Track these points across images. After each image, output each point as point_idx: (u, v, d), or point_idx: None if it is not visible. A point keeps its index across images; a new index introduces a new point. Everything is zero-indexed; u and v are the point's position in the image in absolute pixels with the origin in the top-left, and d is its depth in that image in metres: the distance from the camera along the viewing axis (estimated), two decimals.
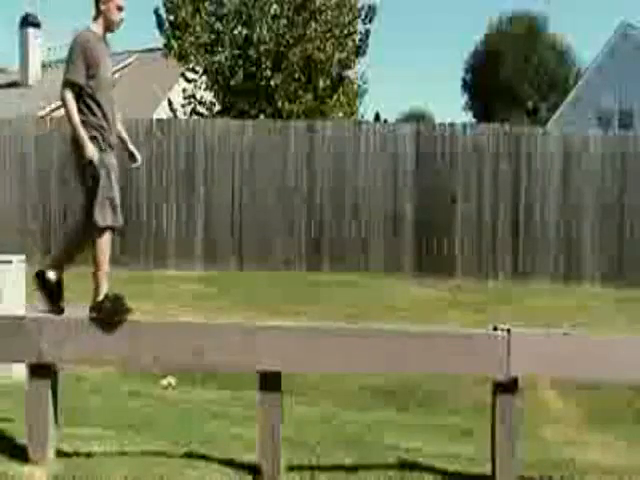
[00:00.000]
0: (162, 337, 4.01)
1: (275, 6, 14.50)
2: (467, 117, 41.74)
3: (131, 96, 21.53)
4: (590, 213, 11.67)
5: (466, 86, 41.98)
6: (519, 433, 3.94)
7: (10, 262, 6.13)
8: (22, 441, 4.06)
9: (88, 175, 3.96)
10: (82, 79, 3.91)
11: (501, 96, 37.17)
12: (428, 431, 5.14)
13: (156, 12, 15.17)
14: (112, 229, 4.04)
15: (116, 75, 21.64)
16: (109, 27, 4.16)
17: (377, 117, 28.63)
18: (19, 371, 5.30)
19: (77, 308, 4.24)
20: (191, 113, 15.59)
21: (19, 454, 3.99)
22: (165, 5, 15.10)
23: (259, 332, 3.98)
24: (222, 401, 5.77)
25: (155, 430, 4.67)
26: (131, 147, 4.29)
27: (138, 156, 4.28)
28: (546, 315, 8.35)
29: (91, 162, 3.92)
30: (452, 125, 12.10)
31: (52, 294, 4.18)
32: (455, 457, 4.38)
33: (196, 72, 15.23)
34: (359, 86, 19.06)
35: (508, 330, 3.91)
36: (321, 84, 15.00)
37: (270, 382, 3.93)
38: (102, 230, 4.01)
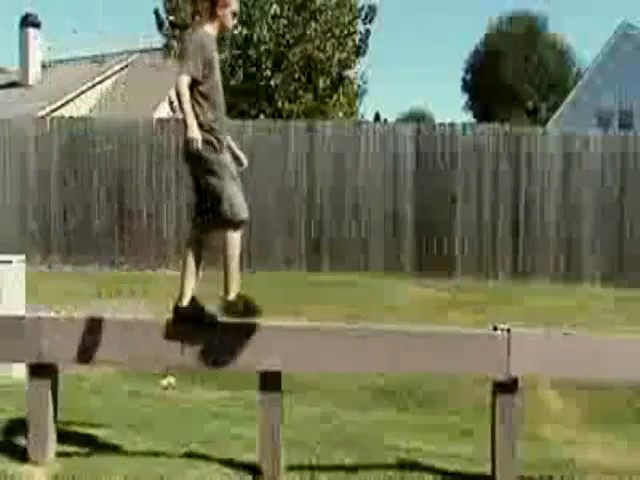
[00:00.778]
0: (162, 337, 4.01)
1: (275, 6, 14.51)
2: (467, 117, 41.79)
3: (131, 96, 21.56)
4: (590, 213, 11.67)
5: (466, 86, 42.01)
6: (519, 433, 3.94)
7: (10, 262, 6.12)
8: (22, 441, 4.06)
9: (211, 176, 3.87)
10: (199, 74, 3.83)
11: (501, 96, 37.19)
12: (428, 431, 5.14)
13: (156, 12, 15.19)
14: (242, 223, 3.92)
15: (116, 75, 21.62)
16: (221, 32, 4.09)
17: (377, 117, 28.66)
18: (19, 371, 5.30)
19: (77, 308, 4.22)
20: None
21: (19, 454, 4.00)
22: (165, 5, 15.11)
23: (259, 332, 3.98)
24: (222, 401, 5.76)
25: (155, 430, 4.67)
26: (237, 151, 4.19)
27: (244, 160, 4.17)
28: (546, 315, 8.35)
29: (202, 160, 3.85)
30: (452, 125, 12.10)
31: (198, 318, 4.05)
32: (455, 457, 4.38)
33: None
34: (359, 86, 19.06)
35: (508, 330, 3.91)
36: (321, 84, 15.01)
37: (270, 382, 3.93)
38: (236, 225, 3.91)
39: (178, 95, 3.81)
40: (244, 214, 3.90)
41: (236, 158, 4.13)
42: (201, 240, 4.08)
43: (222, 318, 3.99)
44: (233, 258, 3.98)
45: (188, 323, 3.98)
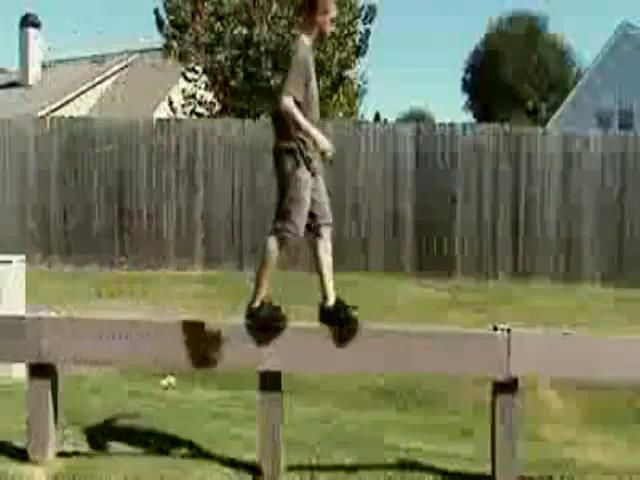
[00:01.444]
0: (162, 337, 4.01)
1: (275, 6, 14.50)
2: (467, 117, 41.79)
3: (131, 96, 21.56)
4: (590, 213, 11.67)
5: (466, 86, 42.00)
6: (519, 433, 3.94)
7: (10, 262, 6.12)
8: (22, 441, 4.06)
9: (294, 185, 3.92)
10: (300, 96, 3.87)
11: (501, 96, 37.19)
12: (428, 431, 5.14)
13: (156, 12, 15.18)
14: (285, 241, 3.96)
15: (116, 75, 21.58)
16: (318, 38, 4.10)
17: (377, 117, 28.66)
18: (19, 371, 5.30)
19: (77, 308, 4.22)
20: (191, 113, 15.59)
21: (19, 454, 4.00)
22: (165, 5, 15.11)
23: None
24: (222, 401, 5.76)
25: (155, 430, 4.67)
26: (315, 137, 4.01)
27: (321, 145, 4.03)
28: (546, 315, 8.35)
29: (286, 170, 3.91)
30: (452, 125, 12.10)
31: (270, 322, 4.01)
32: (455, 457, 4.38)
33: (196, 72, 15.24)
34: (359, 86, 19.07)
35: (508, 330, 3.91)
36: (321, 84, 15.00)
37: (270, 382, 3.93)
38: (280, 239, 3.94)
39: (289, 114, 3.85)
40: (298, 232, 3.94)
41: (315, 144, 4.03)
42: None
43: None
44: (266, 267, 3.97)
45: (262, 324, 3.94)
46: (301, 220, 3.93)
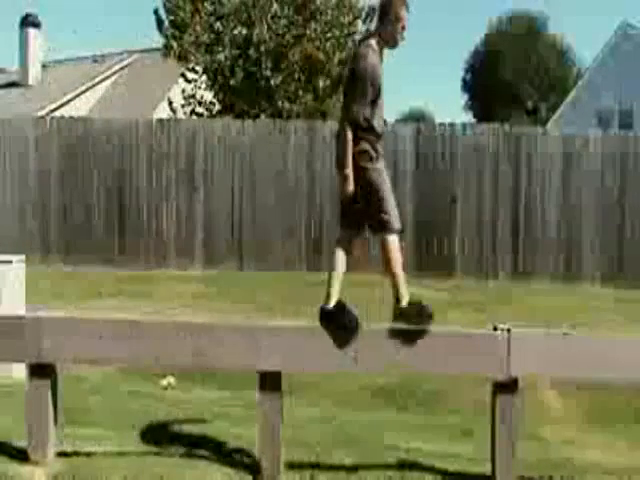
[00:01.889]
0: (162, 337, 4.01)
1: (275, 6, 14.50)
2: (467, 117, 41.78)
3: (131, 96, 21.56)
4: (590, 213, 11.67)
5: (466, 86, 42.00)
6: (519, 433, 3.94)
7: (10, 262, 6.12)
8: (22, 441, 4.06)
9: (369, 185, 3.92)
10: (368, 110, 3.86)
11: (501, 96, 37.18)
12: (428, 431, 5.14)
13: (156, 12, 15.17)
14: (399, 231, 3.95)
15: (116, 75, 21.60)
16: (390, 45, 4.02)
17: None
18: (19, 371, 5.30)
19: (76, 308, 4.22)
20: (191, 113, 15.59)
21: (19, 454, 4.00)
22: (165, 5, 15.10)
23: (259, 332, 3.98)
24: (222, 401, 5.77)
25: (155, 430, 4.67)
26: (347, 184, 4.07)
27: (348, 189, 4.02)
28: (546, 315, 8.35)
29: (360, 169, 3.91)
30: (452, 125, 12.09)
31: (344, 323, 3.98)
32: (455, 457, 4.38)
33: (196, 72, 15.23)
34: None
35: (508, 330, 3.91)
36: (321, 84, 15.00)
37: (270, 382, 3.93)
38: (393, 232, 3.93)
39: (342, 142, 3.88)
40: (399, 224, 3.94)
41: (343, 176, 4.03)
42: (350, 244, 4.11)
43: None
44: (397, 262, 3.96)
45: (333, 324, 3.92)
46: (395, 211, 3.94)
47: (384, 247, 3.96)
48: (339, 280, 4.02)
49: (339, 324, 3.92)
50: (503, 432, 3.87)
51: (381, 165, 3.99)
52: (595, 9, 64.43)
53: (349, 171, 3.90)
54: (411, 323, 3.93)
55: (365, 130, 3.91)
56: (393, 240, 3.94)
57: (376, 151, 3.96)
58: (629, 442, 4.99)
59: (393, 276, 3.97)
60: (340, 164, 3.96)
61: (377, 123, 3.96)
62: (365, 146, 3.91)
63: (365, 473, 4.03)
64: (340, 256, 4.06)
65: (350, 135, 3.88)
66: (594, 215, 11.65)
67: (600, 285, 11.38)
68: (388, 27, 3.94)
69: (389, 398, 5.93)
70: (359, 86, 3.85)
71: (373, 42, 3.94)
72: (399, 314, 3.96)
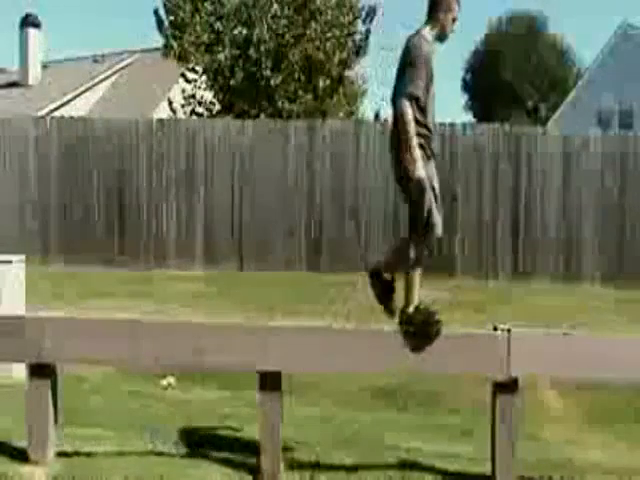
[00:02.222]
0: (162, 337, 4.01)
1: (275, 6, 14.50)
2: (467, 117, 41.75)
3: (131, 96, 21.57)
4: (590, 213, 11.67)
5: (466, 86, 41.98)
6: (519, 433, 3.94)
7: (10, 262, 6.12)
8: (22, 441, 4.06)
9: (415, 189, 3.82)
10: (423, 94, 3.74)
11: (501, 96, 37.18)
12: (428, 431, 5.14)
13: (156, 12, 15.18)
14: (432, 239, 3.94)
15: (116, 75, 21.64)
16: (440, 38, 3.96)
17: (377, 117, 28.60)
18: (19, 371, 5.29)
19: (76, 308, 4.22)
20: (191, 113, 15.59)
21: (19, 454, 4.00)
22: (165, 5, 15.11)
23: (259, 332, 3.98)
24: (222, 401, 5.76)
25: (155, 430, 4.67)
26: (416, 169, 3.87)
27: (417, 174, 3.82)
28: (546, 315, 8.35)
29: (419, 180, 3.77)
30: (452, 125, 12.09)
31: (381, 295, 4.01)
32: (455, 457, 4.38)
33: (196, 72, 15.24)
34: (359, 86, 19.06)
35: (508, 330, 3.91)
36: (321, 84, 15.00)
37: (270, 382, 3.93)
38: (428, 240, 3.93)
39: (402, 122, 3.71)
40: (439, 231, 3.93)
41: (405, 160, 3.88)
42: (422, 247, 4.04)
43: None
44: (413, 272, 3.95)
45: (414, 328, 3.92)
46: (437, 214, 3.92)
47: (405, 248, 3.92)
48: (419, 282, 3.98)
49: (422, 327, 3.90)
50: (503, 432, 3.87)
51: (431, 167, 3.89)
52: (595, 9, 64.36)
53: (417, 153, 3.71)
54: (417, 329, 3.90)
55: (418, 123, 3.76)
56: (416, 245, 3.91)
57: (429, 148, 3.86)
58: (629, 442, 4.98)
59: (406, 280, 3.95)
60: (400, 147, 3.74)
61: (430, 118, 3.86)
62: (420, 141, 3.77)
63: (365, 473, 4.02)
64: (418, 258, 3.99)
65: (411, 114, 3.68)
66: (594, 215, 11.65)
67: (600, 285, 11.38)
68: (439, 19, 3.91)
69: (389, 398, 5.93)
70: (414, 71, 3.74)
71: (426, 32, 3.90)
72: (405, 320, 3.95)
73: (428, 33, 3.91)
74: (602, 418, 5.57)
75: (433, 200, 3.91)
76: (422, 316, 3.92)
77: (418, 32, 3.92)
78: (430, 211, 3.89)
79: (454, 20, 3.95)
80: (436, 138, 4.00)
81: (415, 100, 3.73)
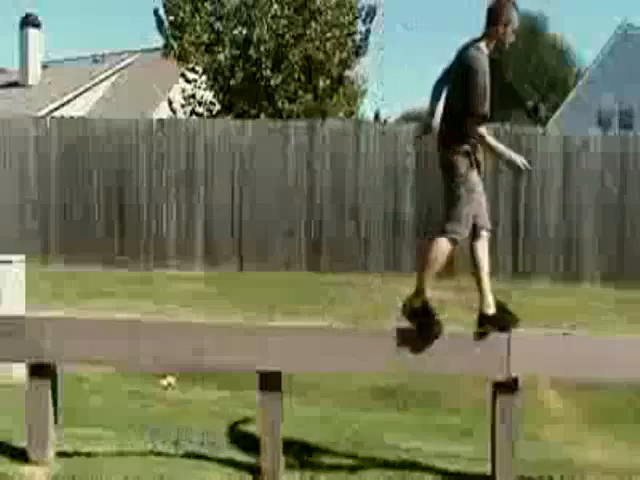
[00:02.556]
0: (162, 337, 4.01)
1: (275, 6, 14.49)
2: None
3: (131, 96, 21.57)
4: (590, 213, 11.66)
5: None
6: (519, 433, 3.94)
7: (10, 262, 6.12)
8: (22, 441, 4.06)
9: (466, 186, 3.89)
10: (487, 112, 3.86)
11: (501, 96, 37.13)
12: (428, 431, 5.14)
13: (156, 12, 15.18)
14: (455, 243, 3.93)
15: (116, 75, 21.65)
16: (498, 47, 4.00)
17: (377, 117, 28.61)
18: (19, 371, 5.30)
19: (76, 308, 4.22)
20: (191, 113, 15.60)
21: (19, 454, 4.00)
22: (165, 5, 15.10)
23: (259, 332, 3.98)
24: (222, 401, 5.76)
25: (155, 430, 4.67)
26: (512, 156, 4.01)
27: (519, 162, 3.97)
28: (546, 315, 8.34)
29: (457, 171, 3.89)
30: None
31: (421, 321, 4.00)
32: (455, 457, 4.38)
33: (196, 72, 15.24)
34: (359, 86, 19.06)
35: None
36: (321, 84, 15.00)
37: (270, 382, 3.93)
38: (450, 240, 3.92)
39: (483, 141, 3.90)
40: (459, 236, 3.92)
41: (508, 162, 4.02)
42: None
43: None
44: (428, 268, 4.01)
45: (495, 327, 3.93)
46: (469, 222, 3.91)
47: (433, 247, 3.94)
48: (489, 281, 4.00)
49: (423, 324, 3.94)
50: (503, 432, 3.87)
51: (474, 175, 3.93)
52: (595, 9, 64.38)
53: (508, 152, 3.97)
54: (492, 328, 3.91)
55: (469, 135, 3.90)
56: (445, 248, 3.93)
57: (476, 159, 3.93)
58: (629, 442, 4.98)
59: (480, 281, 4.02)
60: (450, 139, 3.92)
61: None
62: (468, 148, 3.89)
63: (365, 473, 4.03)
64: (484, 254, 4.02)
65: (484, 130, 3.88)
66: (594, 215, 11.65)
67: (600, 285, 11.37)
68: (498, 32, 3.92)
69: (389, 398, 5.93)
70: (483, 91, 3.82)
71: (483, 46, 3.91)
72: (484, 319, 3.96)
73: (486, 46, 3.92)
74: (602, 418, 5.57)
75: (475, 204, 3.93)
76: (420, 317, 3.96)
77: (475, 44, 3.92)
78: (468, 215, 3.91)
79: (514, 31, 3.95)
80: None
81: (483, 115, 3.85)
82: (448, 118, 3.98)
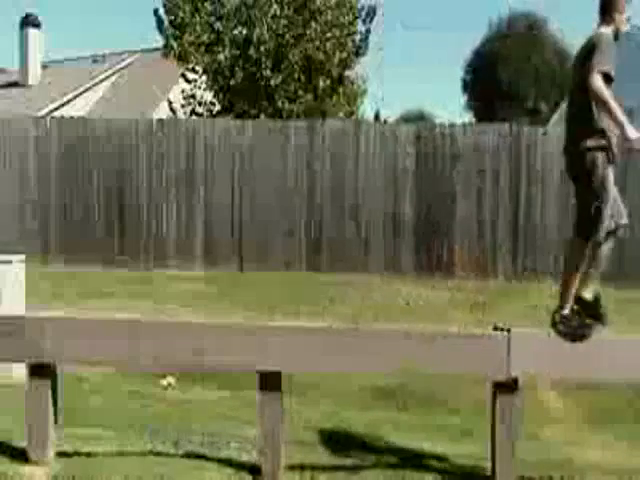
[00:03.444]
0: (162, 337, 4.01)
1: (275, 6, 14.50)
2: (467, 117, 41.73)
3: (131, 96, 21.56)
4: None
5: (466, 86, 41.97)
6: (519, 433, 3.94)
7: (10, 262, 6.12)
8: (22, 441, 4.06)
9: (598, 180, 3.91)
10: (612, 70, 3.85)
11: (501, 96, 37.15)
12: (428, 431, 5.14)
13: (156, 12, 15.19)
14: (614, 233, 3.95)
15: (116, 75, 21.63)
16: (614, 37, 4.10)
17: (377, 117, 28.60)
18: (19, 371, 5.29)
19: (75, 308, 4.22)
20: (191, 113, 15.60)
21: (19, 454, 4.00)
22: (165, 5, 15.11)
23: (259, 332, 3.98)
24: (222, 401, 5.77)
25: (155, 430, 4.67)
26: (620, 129, 3.92)
27: (631, 135, 3.87)
28: (546, 315, 8.33)
29: (596, 168, 3.84)
30: (452, 125, 12.09)
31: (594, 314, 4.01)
32: (455, 457, 4.38)
33: (196, 72, 15.24)
34: (359, 86, 19.05)
35: (508, 330, 3.91)
36: (321, 84, 15.00)
37: (270, 382, 3.93)
38: (599, 242, 3.95)
39: (597, 94, 3.78)
40: (615, 224, 3.95)
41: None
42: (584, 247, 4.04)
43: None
44: (596, 268, 4.03)
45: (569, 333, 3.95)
46: (611, 223, 3.97)
47: (591, 250, 3.95)
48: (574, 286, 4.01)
49: (577, 329, 3.93)
50: (503, 432, 3.88)
51: (610, 172, 3.94)
52: (595, 9, 64.31)
53: (621, 115, 3.76)
54: (570, 332, 3.93)
55: (603, 118, 3.82)
56: (605, 252, 3.98)
57: (613, 153, 3.91)
58: (629, 442, 4.98)
59: (586, 275, 4.01)
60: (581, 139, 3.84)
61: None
62: (605, 143, 3.85)
63: (365, 473, 4.03)
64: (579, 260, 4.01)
65: (601, 82, 3.74)
66: None
67: (600, 285, 11.34)
68: (614, 19, 4.04)
69: (389, 398, 5.93)
70: (603, 46, 3.87)
71: (606, 30, 4.03)
72: (559, 321, 4.00)
73: (607, 31, 4.03)
74: (602, 418, 5.57)
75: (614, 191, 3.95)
76: (577, 320, 3.96)
77: (598, 30, 4.04)
78: (615, 200, 3.96)
79: (627, 19, 4.11)
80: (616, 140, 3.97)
81: (604, 76, 3.79)
82: (577, 116, 3.97)
